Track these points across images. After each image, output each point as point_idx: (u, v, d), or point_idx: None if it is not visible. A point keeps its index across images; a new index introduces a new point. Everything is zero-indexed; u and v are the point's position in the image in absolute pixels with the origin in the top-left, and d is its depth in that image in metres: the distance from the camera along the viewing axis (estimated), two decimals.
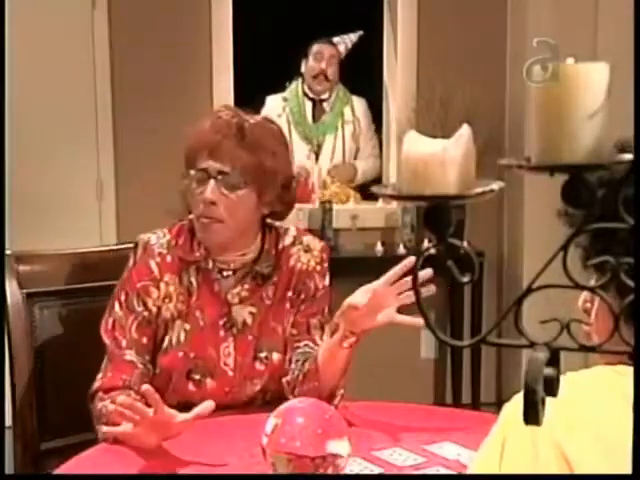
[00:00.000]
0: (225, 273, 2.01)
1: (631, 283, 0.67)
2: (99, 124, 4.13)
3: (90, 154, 4.12)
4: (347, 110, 4.69)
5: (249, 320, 2.00)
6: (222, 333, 1.99)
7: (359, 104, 4.71)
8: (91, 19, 4.06)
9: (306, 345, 2.02)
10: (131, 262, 2.00)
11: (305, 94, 4.68)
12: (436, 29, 4.30)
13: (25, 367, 2.15)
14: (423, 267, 0.78)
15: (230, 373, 1.98)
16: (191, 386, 1.96)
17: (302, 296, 2.05)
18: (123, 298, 1.98)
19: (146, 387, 1.69)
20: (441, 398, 4.48)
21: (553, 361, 0.70)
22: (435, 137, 0.76)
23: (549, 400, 0.71)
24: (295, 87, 4.71)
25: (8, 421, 2.09)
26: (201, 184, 1.93)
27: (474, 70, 4.29)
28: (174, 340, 1.97)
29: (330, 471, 1.50)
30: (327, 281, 2.10)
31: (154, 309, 1.97)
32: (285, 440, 1.49)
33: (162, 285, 1.98)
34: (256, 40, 4.83)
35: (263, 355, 1.99)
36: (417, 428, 1.85)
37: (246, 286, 2.01)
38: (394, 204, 4.23)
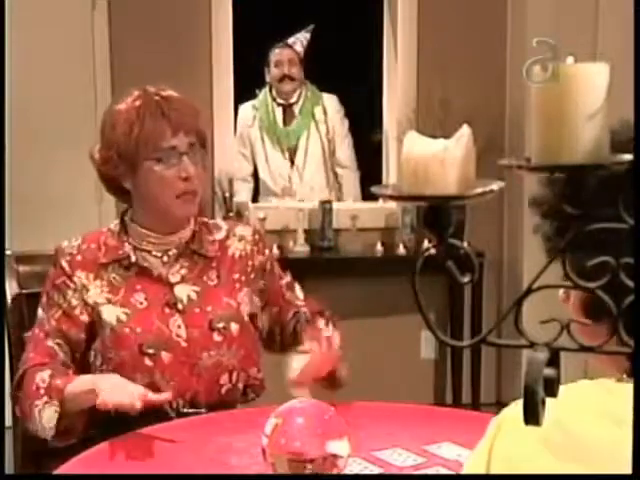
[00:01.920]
0: (156, 258, 2.04)
1: (631, 283, 0.67)
2: (99, 123, 4.12)
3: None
4: (317, 110, 4.68)
5: (193, 296, 2.03)
6: (167, 310, 2.00)
7: (330, 102, 4.69)
8: (91, 20, 4.06)
9: (295, 313, 2.16)
10: (51, 270, 2.04)
11: (274, 99, 4.69)
12: (436, 29, 4.30)
13: None
14: (424, 267, 0.77)
15: (184, 344, 1.98)
16: (147, 361, 1.96)
17: (252, 275, 2.11)
18: (44, 300, 2.02)
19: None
20: (441, 398, 4.48)
21: (553, 361, 0.70)
22: (435, 137, 0.76)
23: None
24: (264, 95, 4.71)
25: (8, 421, 2.09)
26: (169, 163, 1.95)
27: (474, 70, 4.29)
28: (114, 321, 1.97)
29: (330, 471, 1.50)
30: (268, 252, 2.18)
31: (74, 301, 1.99)
32: (285, 441, 1.49)
33: (75, 279, 2.00)
34: (256, 40, 4.83)
35: (221, 326, 2.01)
36: (417, 428, 1.85)
37: (185, 264, 2.05)
38: (394, 204, 4.23)
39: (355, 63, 5.01)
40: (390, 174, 4.50)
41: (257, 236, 2.17)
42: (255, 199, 4.67)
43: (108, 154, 2.00)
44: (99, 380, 1.84)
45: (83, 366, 2.00)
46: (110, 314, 1.98)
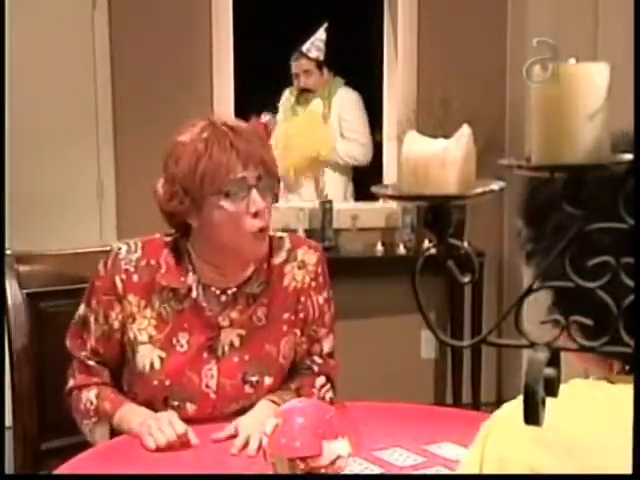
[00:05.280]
0: (214, 296, 1.92)
1: (631, 283, 0.67)
2: (99, 124, 4.13)
3: (90, 154, 4.12)
4: (319, 103, 4.69)
5: (236, 342, 1.92)
6: (205, 355, 1.91)
7: (341, 97, 4.70)
8: (91, 20, 4.06)
9: (307, 367, 2.03)
10: (101, 270, 1.92)
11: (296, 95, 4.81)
12: (436, 29, 4.30)
13: (25, 367, 2.15)
14: (424, 267, 0.78)
15: (212, 395, 1.90)
16: (171, 410, 1.88)
17: (301, 315, 1.98)
18: (93, 305, 1.93)
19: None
20: (441, 398, 4.48)
21: (553, 361, 0.70)
22: (435, 137, 0.76)
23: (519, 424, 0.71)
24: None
25: (8, 421, 2.09)
26: (237, 197, 1.81)
27: (474, 70, 4.29)
28: (147, 367, 1.89)
29: (330, 471, 1.50)
30: (327, 293, 2.01)
31: (116, 323, 1.91)
32: (285, 440, 1.49)
33: (125, 302, 1.90)
34: (256, 40, 4.84)
35: (254, 379, 1.91)
36: (417, 428, 1.85)
37: (239, 306, 1.93)
38: (394, 204, 4.23)
39: (355, 63, 5.00)
40: (390, 174, 4.50)
41: (320, 268, 1.99)
42: None
43: (173, 189, 1.84)
44: (142, 428, 1.79)
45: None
46: (145, 356, 1.89)
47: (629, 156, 0.71)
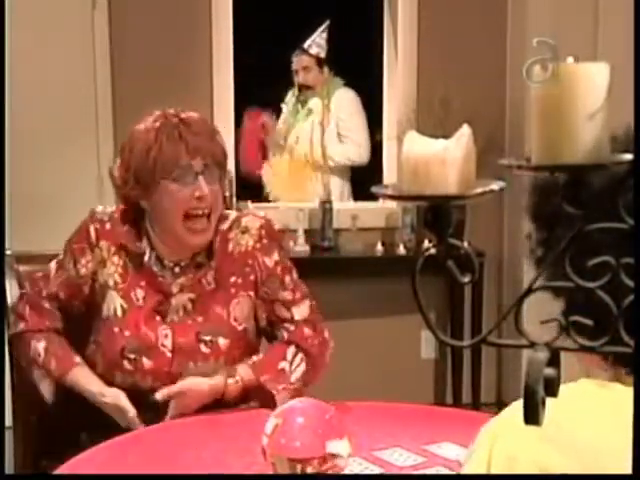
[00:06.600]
0: (168, 268, 2.04)
1: (631, 283, 0.67)
2: (99, 123, 4.12)
3: (90, 153, 4.12)
4: (317, 102, 4.70)
5: (189, 306, 2.02)
6: (158, 318, 2.01)
7: (339, 97, 4.71)
8: (91, 20, 4.06)
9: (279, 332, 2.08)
10: (77, 228, 2.08)
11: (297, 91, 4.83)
12: (436, 29, 4.30)
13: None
14: (424, 267, 0.77)
15: (168, 354, 1.98)
16: (126, 364, 1.98)
17: (251, 277, 2.04)
18: (60, 257, 2.07)
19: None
20: (441, 398, 4.48)
21: (553, 361, 0.70)
22: (435, 137, 0.76)
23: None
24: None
25: (8, 421, 2.09)
26: (184, 182, 1.94)
27: (474, 70, 4.29)
28: (111, 313, 2.01)
29: (330, 471, 1.50)
30: (279, 256, 2.07)
31: (83, 270, 2.04)
32: (285, 440, 1.49)
33: (97, 250, 2.03)
34: (256, 40, 4.83)
35: (208, 339, 2.00)
36: (417, 428, 1.85)
37: (190, 275, 2.03)
38: (394, 204, 4.23)
39: (355, 62, 5.00)
40: (390, 174, 4.50)
41: (263, 231, 2.06)
42: None
43: (126, 175, 1.99)
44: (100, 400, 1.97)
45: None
46: (110, 302, 2.01)
47: (629, 156, 0.71)
